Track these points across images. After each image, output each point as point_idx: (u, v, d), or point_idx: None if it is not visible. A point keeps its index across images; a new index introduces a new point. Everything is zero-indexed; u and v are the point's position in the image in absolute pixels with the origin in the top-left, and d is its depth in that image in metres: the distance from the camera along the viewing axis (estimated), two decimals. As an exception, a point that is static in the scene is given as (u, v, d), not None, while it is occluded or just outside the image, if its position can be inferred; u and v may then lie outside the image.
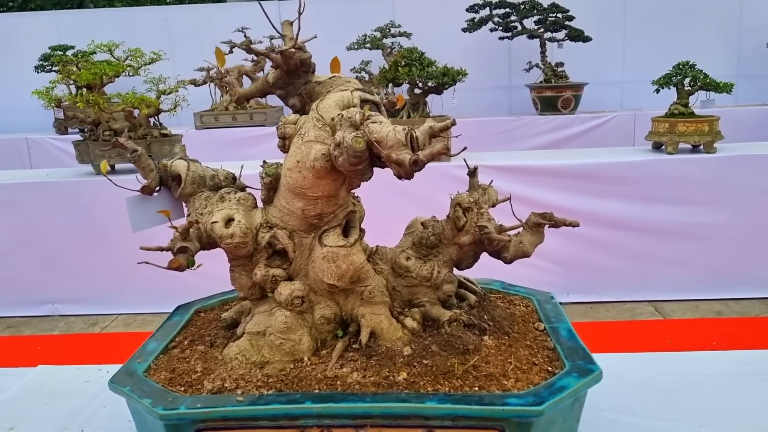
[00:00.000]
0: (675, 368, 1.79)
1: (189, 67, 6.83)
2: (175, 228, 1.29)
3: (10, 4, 19.10)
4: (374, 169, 1.27)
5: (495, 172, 3.91)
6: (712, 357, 1.89)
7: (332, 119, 1.25)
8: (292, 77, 1.37)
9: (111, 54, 4.87)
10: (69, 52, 7.13)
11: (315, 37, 1.39)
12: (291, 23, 1.35)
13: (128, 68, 4.70)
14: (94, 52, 5.33)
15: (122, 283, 4.35)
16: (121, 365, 1.39)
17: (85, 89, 4.83)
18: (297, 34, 1.30)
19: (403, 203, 3.85)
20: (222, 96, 7.07)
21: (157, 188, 1.45)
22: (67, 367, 1.95)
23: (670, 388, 1.67)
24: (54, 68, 6.89)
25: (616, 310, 4.19)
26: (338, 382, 1.26)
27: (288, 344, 1.34)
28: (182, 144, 4.47)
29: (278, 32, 1.35)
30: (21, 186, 4.33)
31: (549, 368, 1.30)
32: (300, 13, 1.27)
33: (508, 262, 1.44)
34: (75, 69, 4.89)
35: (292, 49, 1.29)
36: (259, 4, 1.37)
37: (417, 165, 1.13)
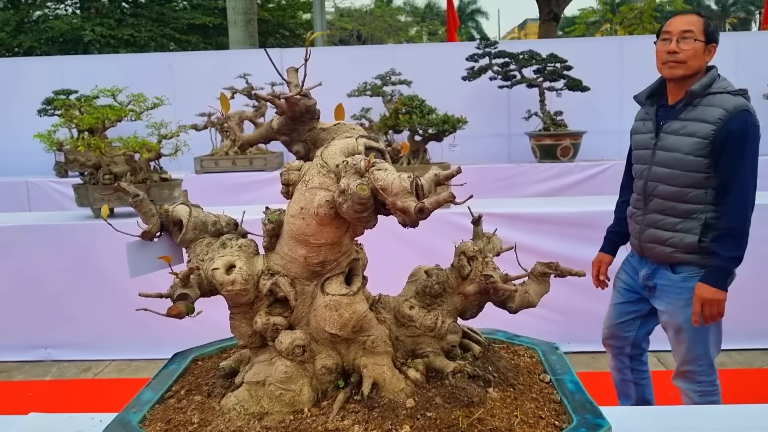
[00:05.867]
0: (683, 422, 1.74)
1: (191, 112, 6.89)
2: (176, 274, 1.26)
3: (16, 49, 19.45)
4: (378, 216, 1.25)
5: (495, 219, 3.90)
6: (721, 411, 1.85)
7: (337, 166, 1.25)
8: (297, 124, 1.36)
9: (114, 99, 4.91)
10: (72, 96, 7.17)
11: (320, 84, 1.40)
12: (296, 70, 1.35)
13: (131, 113, 4.72)
14: (97, 97, 5.38)
15: (117, 328, 4.29)
16: (114, 414, 1.35)
17: (86, 133, 4.85)
18: (303, 81, 1.30)
19: (403, 251, 3.82)
20: (222, 141, 7.11)
21: (158, 233, 1.44)
22: (59, 415, 1.89)
23: (679, 443, 1.62)
24: (56, 112, 6.93)
25: (617, 359, 4.12)
26: (339, 435, 1.22)
27: (288, 395, 1.31)
28: (184, 189, 4.45)
29: (283, 78, 1.35)
30: (19, 228, 4.29)
31: (556, 422, 1.27)
32: (306, 60, 1.28)
33: (514, 312, 1.42)
34: (77, 113, 4.93)
35: (298, 96, 1.29)
36: (265, 51, 1.38)
37: (423, 213, 1.12)
